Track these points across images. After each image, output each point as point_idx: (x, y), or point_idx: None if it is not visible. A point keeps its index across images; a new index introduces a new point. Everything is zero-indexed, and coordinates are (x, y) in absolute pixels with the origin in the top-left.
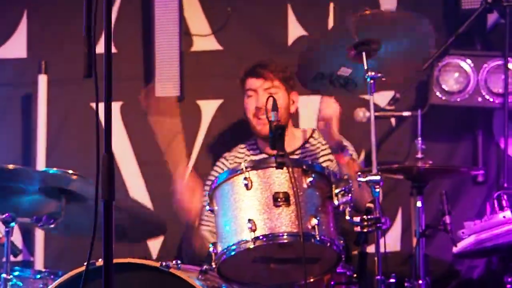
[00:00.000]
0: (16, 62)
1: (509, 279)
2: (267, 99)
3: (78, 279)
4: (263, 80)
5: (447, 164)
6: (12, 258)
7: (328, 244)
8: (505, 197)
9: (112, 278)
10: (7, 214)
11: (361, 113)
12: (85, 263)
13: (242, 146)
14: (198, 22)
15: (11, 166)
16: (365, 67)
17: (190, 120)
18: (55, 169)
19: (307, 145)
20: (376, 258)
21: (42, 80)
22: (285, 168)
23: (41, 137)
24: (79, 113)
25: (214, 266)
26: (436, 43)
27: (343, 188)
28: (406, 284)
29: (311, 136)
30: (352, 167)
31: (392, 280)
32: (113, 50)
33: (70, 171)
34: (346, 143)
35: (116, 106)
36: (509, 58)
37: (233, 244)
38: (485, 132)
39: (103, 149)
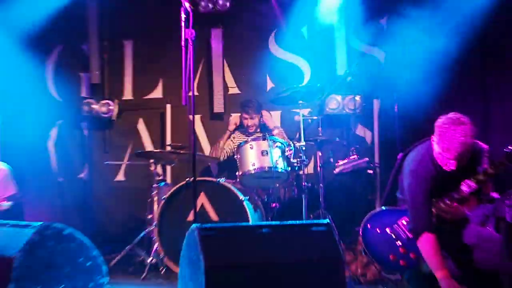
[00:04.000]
0: None
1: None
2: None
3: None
4: (249, 116)
5: (334, 140)
6: None
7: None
8: (354, 150)
9: (196, 188)
10: None
11: (296, 117)
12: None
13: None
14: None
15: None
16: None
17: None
18: None
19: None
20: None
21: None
22: (266, 139)
23: None
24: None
25: (238, 180)
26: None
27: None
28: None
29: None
30: None
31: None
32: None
33: None
34: None
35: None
36: (356, 96)
37: (247, 171)
38: (348, 128)
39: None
